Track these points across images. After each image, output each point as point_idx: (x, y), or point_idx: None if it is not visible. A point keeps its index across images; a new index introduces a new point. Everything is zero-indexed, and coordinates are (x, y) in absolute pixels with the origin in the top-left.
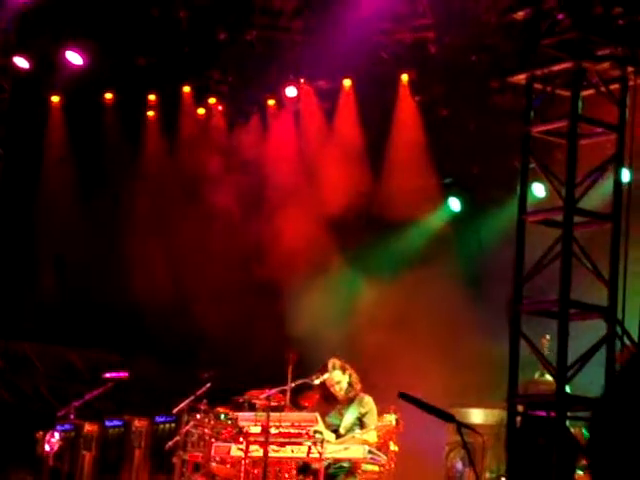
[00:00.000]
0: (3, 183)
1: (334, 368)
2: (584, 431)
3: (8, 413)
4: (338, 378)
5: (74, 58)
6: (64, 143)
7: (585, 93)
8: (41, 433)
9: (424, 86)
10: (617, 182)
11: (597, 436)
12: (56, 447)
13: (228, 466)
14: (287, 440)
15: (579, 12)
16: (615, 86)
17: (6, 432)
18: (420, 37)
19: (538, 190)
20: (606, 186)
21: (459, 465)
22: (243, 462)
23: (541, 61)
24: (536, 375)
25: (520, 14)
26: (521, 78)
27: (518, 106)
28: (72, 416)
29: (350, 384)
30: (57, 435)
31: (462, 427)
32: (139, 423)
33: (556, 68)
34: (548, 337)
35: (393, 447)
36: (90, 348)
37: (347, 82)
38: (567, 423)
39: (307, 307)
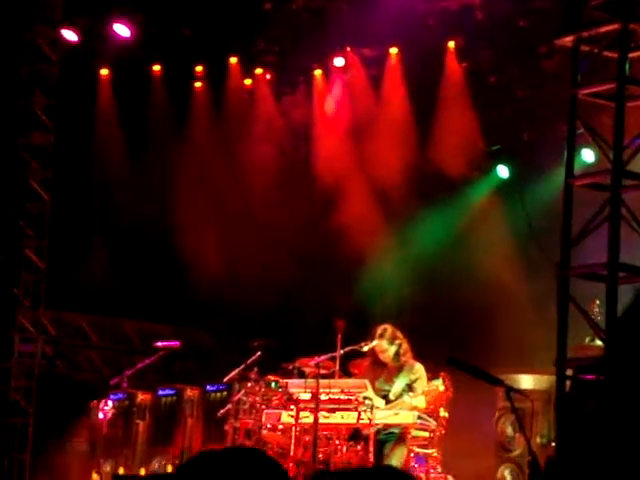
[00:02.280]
0: (55, 155)
1: (382, 336)
2: None
3: (63, 382)
4: (385, 346)
5: (121, 30)
6: (113, 115)
7: (632, 55)
8: (95, 402)
9: (471, 53)
10: None
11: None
12: (110, 415)
13: (279, 433)
14: (337, 406)
15: None
16: None
17: (62, 401)
18: (466, 3)
19: (587, 156)
20: None
21: (509, 430)
22: (294, 429)
23: (588, 23)
24: (586, 340)
25: None
26: (568, 40)
27: (566, 70)
28: (125, 385)
29: (397, 353)
30: (110, 403)
31: (511, 392)
32: (191, 392)
33: (603, 30)
34: (598, 302)
35: (443, 413)
36: (143, 319)
37: (394, 50)
38: None
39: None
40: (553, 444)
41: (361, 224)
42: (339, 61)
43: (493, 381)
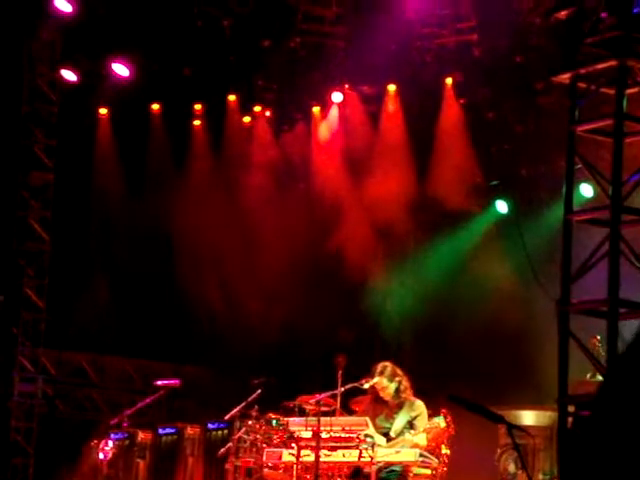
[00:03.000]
0: (55, 194)
1: (382, 373)
2: None
3: (63, 422)
4: (385, 384)
5: (120, 70)
6: (113, 154)
7: (630, 91)
8: (96, 442)
9: (469, 89)
10: None
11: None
12: (110, 455)
13: (280, 471)
14: (338, 444)
15: (622, 10)
16: None
17: (62, 441)
18: (464, 40)
19: (586, 190)
20: None
21: (511, 467)
22: (295, 467)
23: (585, 60)
24: (588, 376)
25: (563, 13)
26: (565, 77)
27: (563, 106)
28: (125, 424)
29: (398, 390)
30: (111, 443)
31: (513, 429)
32: (192, 430)
33: (600, 66)
34: (599, 337)
35: (445, 450)
36: (143, 357)
37: (392, 87)
38: None
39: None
40: None
41: (361, 258)
42: (337, 96)
43: (495, 418)
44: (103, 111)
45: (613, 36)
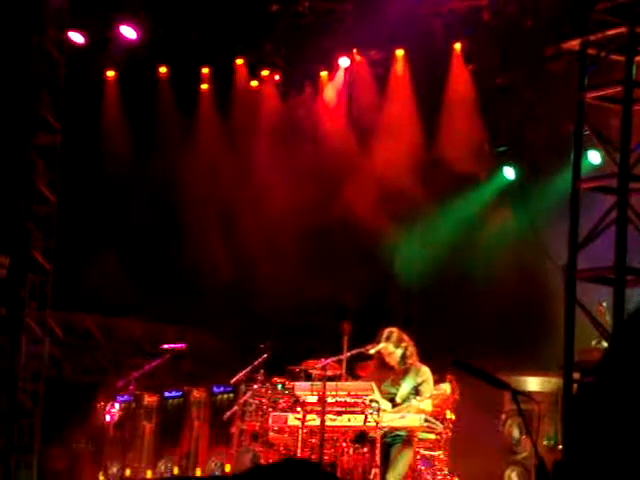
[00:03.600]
0: (62, 156)
1: (388, 339)
2: None
3: (69, 384)
4: (391, 350)
5: (128, 32)
6: (120, 117)
7: (639, 58)
8: (102, 404)
9: (477, 55)
10: None
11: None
12: (116, 417)
13: (286, 435)
14: (344, 409)
15: None
16: None
17: (68, 403)
18: (473, 5)
19: (594, 157)
20: None
21: (516, 433)
22: (300, 431)
23: (595, 26)
24: (593, 343)
25: None
26: (575, 44)
27: (573, 72)
28: (132, 387)
29: (404, 356)
30: (117, 406)
31: (518, 395)
32: (198, 394)
33: (610, 33)
34: (604, 304)
35: (450, 415)
36: (150, 320)
37: (400, 52)
38: None
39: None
40: (560, 447)
41: (369, 222)
42: (344, 61)
43: (499, 385)
44: (111, 74)
45: (624, 2)
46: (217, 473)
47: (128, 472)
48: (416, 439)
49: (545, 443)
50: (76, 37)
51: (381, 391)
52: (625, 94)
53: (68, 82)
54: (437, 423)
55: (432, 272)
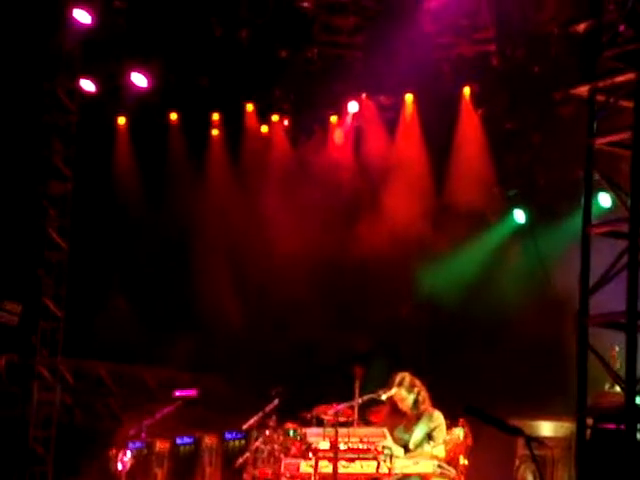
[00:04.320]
0: (74, 204)
1: (401, 384)
2: None
3: (82, 432)
4: (404, 395)
5: (139, 80)
6: (131, 163)
7: None
8: (114, 451)
9: (487, 99)
10: None
11: None
12: (128, 465)
13: None
14: (356, 456)
15: None
16: None
17: (80, 450)
18: (482, 50)
19: (604, 200)
20: None
21: (529, 478)
22: (313, 478)
23: (603, 73)
24: (606, 387)
25: (582, 26)
26: (583, 90)
27: (582, 116)
28: (143, 434)
29: (416, 401)
30: (129, 453)
31: (531, 440)
32: (209, 440)
33: (618, 79)
34: (617, 349)
35: (463, 461)
36: (161, 366)
37: (409, 97)
38: (638, 436)
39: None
40: None
41: (379, 265)
42: (353, 106)
43: (512, 431)
44: (121, 120)
45: (632, 49)
46: None
47: None
48: None
49: None
50: (87, 85)
51: (394, 437)
52: (634, 139)
53: (79, 129)
54: (450, 469)
55: (443, 314)
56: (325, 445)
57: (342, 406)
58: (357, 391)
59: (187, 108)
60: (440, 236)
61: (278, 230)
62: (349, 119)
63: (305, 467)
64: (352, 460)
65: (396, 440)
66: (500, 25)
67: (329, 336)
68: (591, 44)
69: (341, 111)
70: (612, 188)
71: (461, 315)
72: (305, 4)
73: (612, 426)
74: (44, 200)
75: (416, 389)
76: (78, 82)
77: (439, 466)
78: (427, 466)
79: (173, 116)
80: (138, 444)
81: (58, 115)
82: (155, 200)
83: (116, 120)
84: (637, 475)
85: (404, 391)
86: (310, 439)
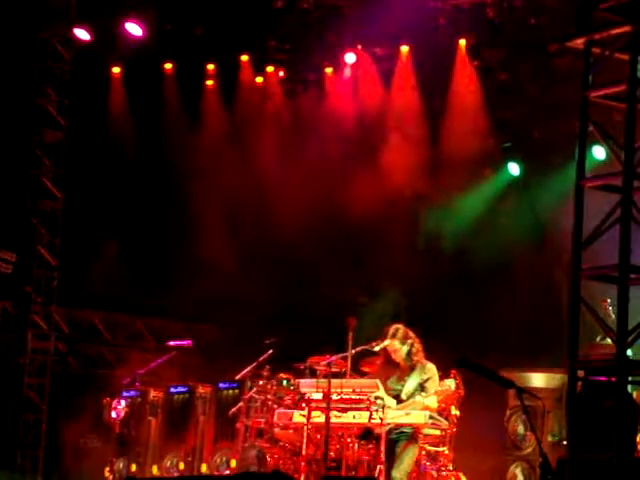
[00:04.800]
0: (68, 152)
1: (394, 336)
2: None
3: (75, 380)
4: (397, 346)
5: (134, 29)
6: (125, 113)
7: None
8: (108, 399)
9: (482, 51)
10: None
11: None
12: (122, 414)
13: (291, 432)
14: (349, 406)
15: None
16: None
17: (74, 398)
18: (478, 1)
19: (598, 152)
20: None
21: (520, 429)
22: (305, 428)
23: (599, 25)
24: (597, 338)
25: None
26: (579, 42)
27: (577, 69)
28: (138, 383)
29: (409, 353)
30: (123, 402)
31: (522, 392)
32: (203, 390)
33: (614, 32)
34: (609, 300)
35: (454, 411)
36: (155, 315)
37: (404, 48)
38: (629, 387)
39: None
40: (564, 442)
41: (375, 218)
42: (350, 57)
43: (504, 383)
44: (116, 70)
45: (628, 1)
46: (223, 468)
47: (134, 467)
48: (421, 435)
49: (549, 439)
50: (82, 34)
51: (386, 388)
52: (629, 92)
53: (74, 78)
54: (442, 419)
55: (437, 268)
56: (318, 395)
57: (335, 357)
58: (350, 342)
59: (182, 58)
60: (434, 188)
61: (273, 180)
62: (347, 70)
63: (298, 417)
64: (345, 410)
65: (388, 391)
66: None
67: (324, 287)
68: None
69: (337, 62)
70: (606, 141)
71: (454, 269)
72: None
73: (603, 379)
74: (38, 149)
75: (410, 340)
76: (72, 31)
77: (431, 417)
78: (419, 417)
79: (168, 66)
80: (132, 393)
81: (52, 64)
82: (150, 150)
83: (111, 69)
84: (627, 427)
85: (398, 342)
86: (303, 389)
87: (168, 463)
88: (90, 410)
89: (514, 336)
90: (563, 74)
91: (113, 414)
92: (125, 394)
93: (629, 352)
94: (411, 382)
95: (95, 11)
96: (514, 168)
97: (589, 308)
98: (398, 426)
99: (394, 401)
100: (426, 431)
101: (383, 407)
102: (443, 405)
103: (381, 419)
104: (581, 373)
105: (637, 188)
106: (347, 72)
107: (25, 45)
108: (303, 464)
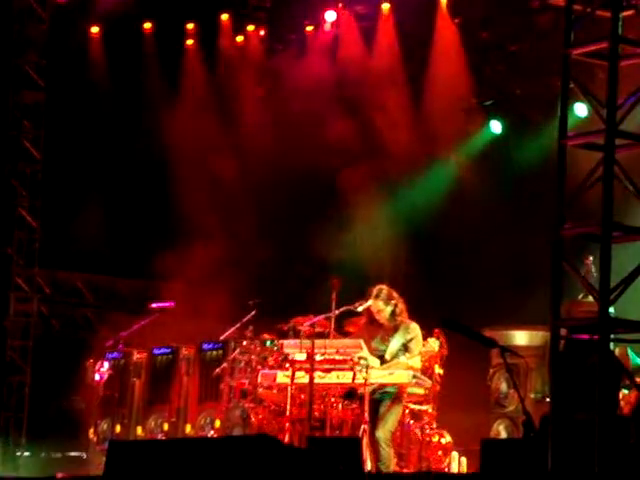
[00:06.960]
0: (47, 114)
1: (378, 296)
2: (629, 351)
3: (58, 342)
4: (381, 306)
5: None
6: (105, 73)
7: (625, 13)
8: (91, 362)
9: (463, 8)
10: None
11: None
12: (106, 376)
13: (275, 392)
14: (332, 366)
15: None
16: None
17: (57, 360)
18: None
19: (580, 110)
20: None
21: (503, 387)
22: (289, 388)
23: None
24: (580, 296)
25: None
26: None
27: (559, 26)
28: (121, 345)
29: (393, 313)
30: (106, 364)
31: (505, 351)
32: (187, 350)
33: None
34: (591, 258)
35: (438, 370)
36: (137, 277)
37: (386, 6)
38: (611, 345)
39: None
40: (547, 400)
41: (355, 180)
42: (331, 15)
43: (487, 343)
44: (95, 30)
45: None
46: (207, 429)
47: (118, 428)
48: (405, 395)
49: (532, 396)
50: None
51: (370, 348)
52: (611, 50)
53: (52, 39)
54: (425, 379)
55: (418, 229)
56: (302, 356)
57: (319, 317)
58: (334, 302)
59: (162, 17)
60: (416, 146)
61: (254, 140)
62: (327, 27)
63: (282, 378)
64: (328, 371)
65: (372, 351)
66: None
67: (307, 247)
68: None
69: (317, 21)
70: (588, 98)
71: (435, 229)
72: None
73: (585, 336)
74: (17, 111)
75: (393, 301)
76: None
77: (414, 376)
78: (403, 376)
79: (147, 25)
80: (115, 354)
81: (30, 24)
82: (130, 110)
83: (89, 29)
84: (610, 385)
85: (381, 303)
86: (287, 350)
87: (152, 424)
88: (73, 372)
89: (496, 295)
90: (544, 31)
91: (97, 376)
92: (108, 356)
93: (611, 310)
94: (395, 342)
95: None
96: (496, 126)
97: (572, 267)
98: (382, 386)
99: (378, 361)
100: (410, 390)
101: (367, 367)
102: (427, 364)
103: (365, 379)
104: (564, 331)
105: (619, 146)
106: (327, 27)
107: (1, 5)
108: (287, 424)
